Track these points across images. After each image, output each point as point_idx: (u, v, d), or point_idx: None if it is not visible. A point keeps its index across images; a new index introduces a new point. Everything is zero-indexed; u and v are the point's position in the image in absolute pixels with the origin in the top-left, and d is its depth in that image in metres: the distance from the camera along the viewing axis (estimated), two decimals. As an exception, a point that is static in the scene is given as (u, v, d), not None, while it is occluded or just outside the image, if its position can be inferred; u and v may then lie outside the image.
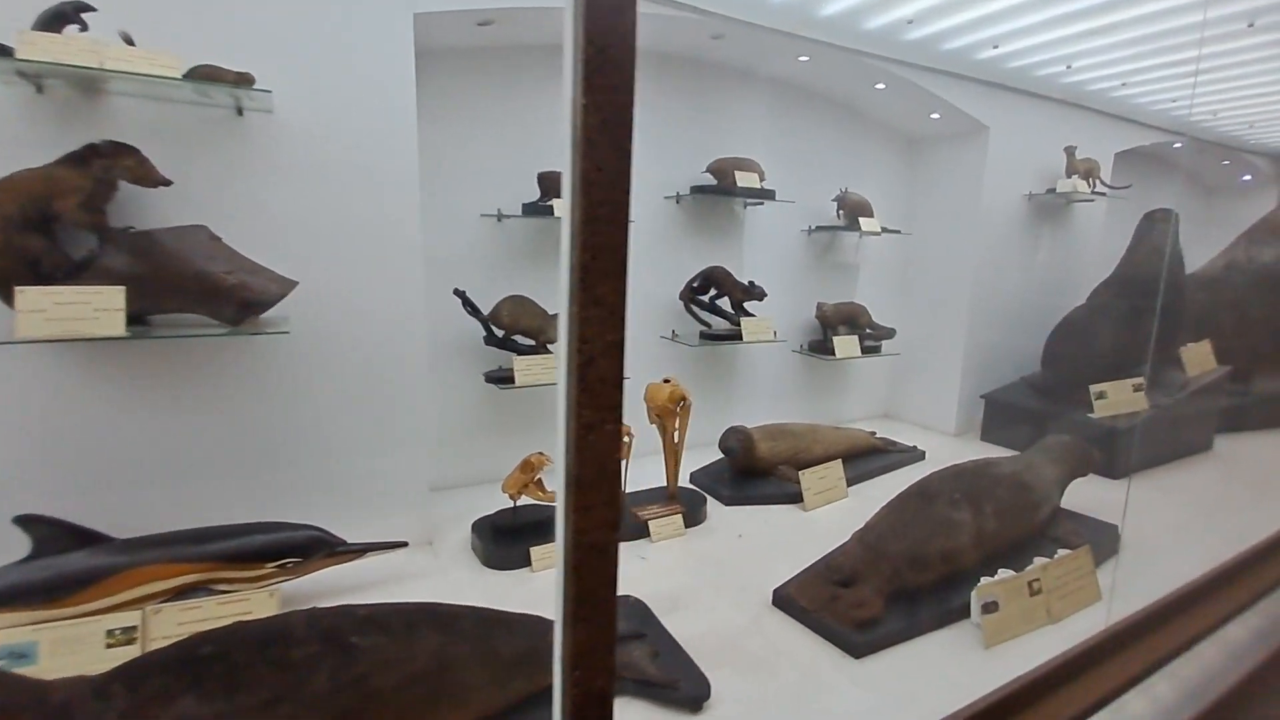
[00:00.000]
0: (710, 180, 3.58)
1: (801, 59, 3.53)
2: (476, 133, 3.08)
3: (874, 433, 3.99)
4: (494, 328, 3.06)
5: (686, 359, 3.90)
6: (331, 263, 2.36)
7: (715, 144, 3.72)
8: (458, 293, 2.95)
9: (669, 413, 2.85)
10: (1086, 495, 3.29)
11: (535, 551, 2.50)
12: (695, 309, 3.64)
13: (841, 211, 4.12)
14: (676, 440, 2.95)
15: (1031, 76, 3.99)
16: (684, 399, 2.87)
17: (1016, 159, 4.29)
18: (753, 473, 3.38)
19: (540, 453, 2.63)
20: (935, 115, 4.13)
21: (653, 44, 3.37)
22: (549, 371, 3.09)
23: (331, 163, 2.32)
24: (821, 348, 4.18)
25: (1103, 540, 2.78)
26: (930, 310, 4.63)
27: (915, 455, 3.93)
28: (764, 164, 3.87)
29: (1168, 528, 3.06)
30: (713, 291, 3.69)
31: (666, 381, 2.91)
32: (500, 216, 3.15)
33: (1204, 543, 2.89)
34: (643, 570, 2.53)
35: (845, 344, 4.11)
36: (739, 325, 3.67)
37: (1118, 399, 3.76)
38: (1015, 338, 4.47)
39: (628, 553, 2.66)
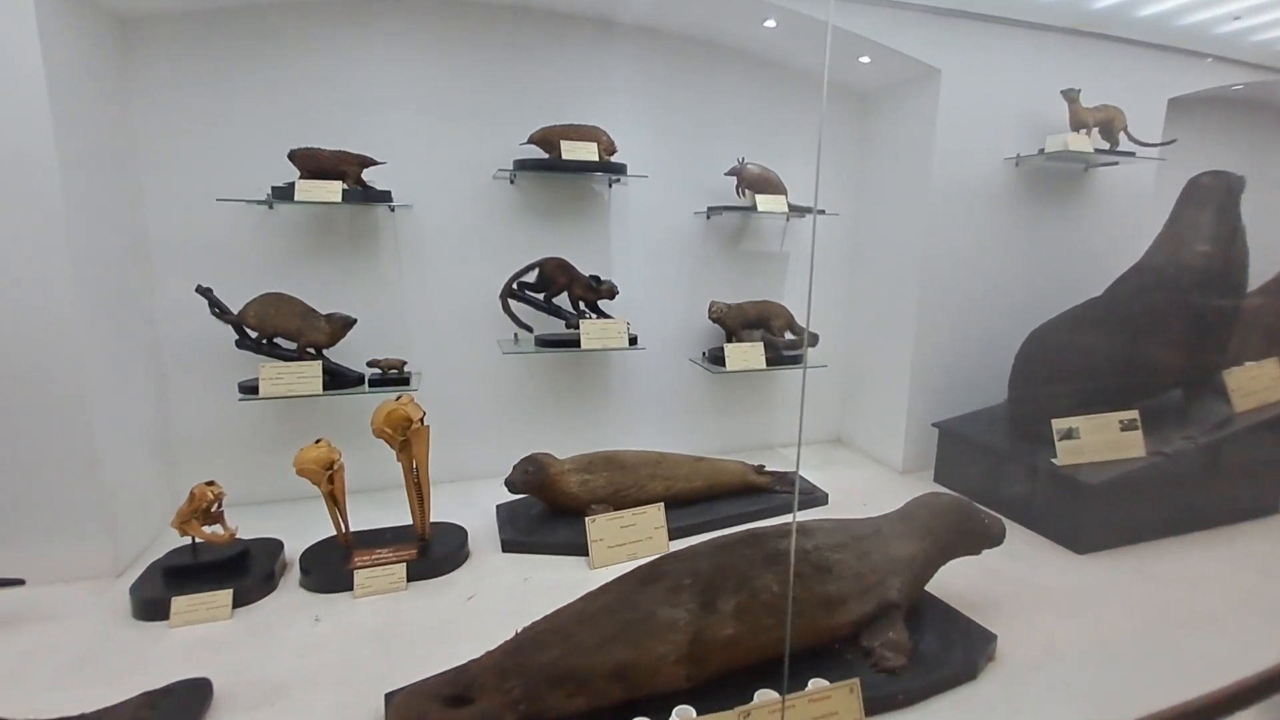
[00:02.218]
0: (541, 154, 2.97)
1: (641, -7, 2.82)
2: (224, 109, 2.70)
3: (762, 466, 3.16)
4: (247, 330, 2.68)
5: (550, 370, 3.31)
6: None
7: (570, 109, 3.08)
8: (201, 290, 2.60)
9: (390, 438, 2.31)
10: (1025, 579, 2.37)
11: (178, 603, 2.08)
12: (514, 309, 3.03)
13: (744, 189, 3.31)
14: (418, 470, 2.41)
15: (985, -6, 2.94)
16: (409, 421, 2.31)
17: (989, 111, 3.22)
18: (566, 512, 2.75)
19: (210, 481, 2.21)
20: (865, 59, 3.19)
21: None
22: (306, 380, 2.67)
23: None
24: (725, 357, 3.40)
25: (965, 657, 1.88)
26: (878, 312, 3.66)
27: (815, 498, 3.06)
28: (641, 131, 3.20)
29: (1096, 644, 2.04)
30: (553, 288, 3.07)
31: (398, 399, 2.37)
32: (271, 203, 2.76)
33: (1140, 676, 1.88)
34: (298, 638, 2.02)
35: (742, 353, 3.30)
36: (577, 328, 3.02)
37: (1094, 440, 2.67)
38: (997, 349, 3.38)
39: (306, 610, 2.17)
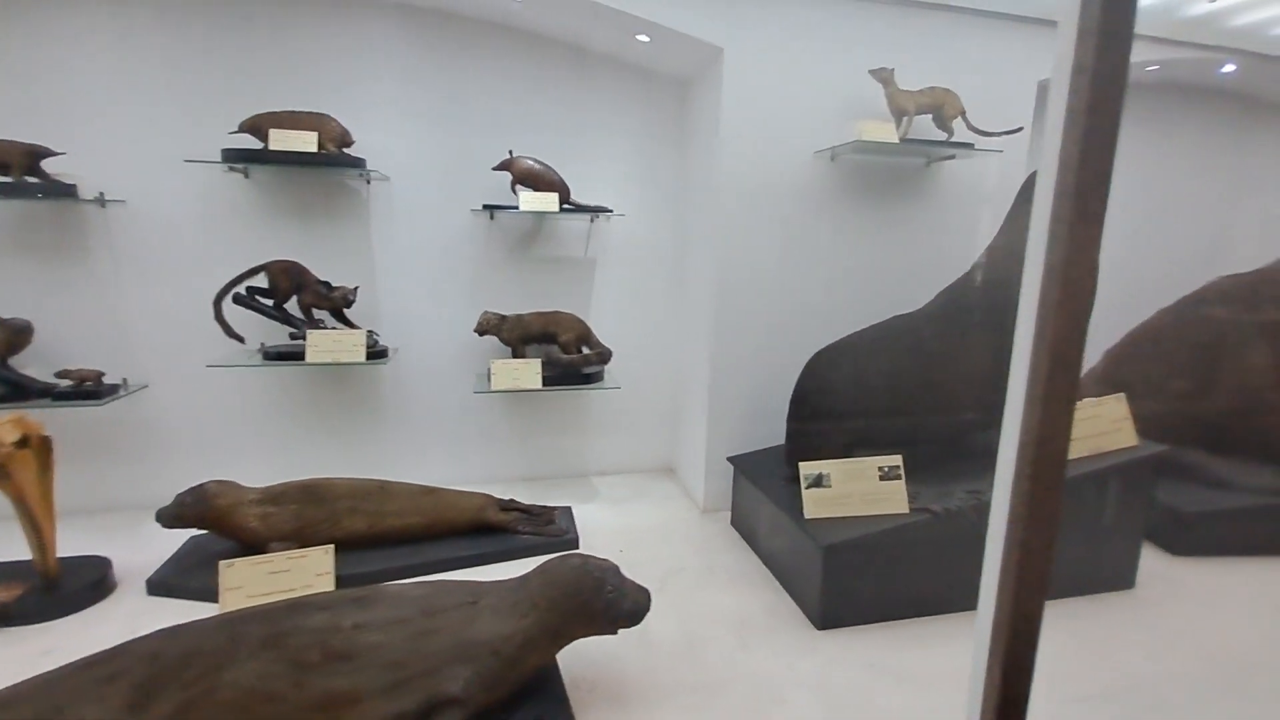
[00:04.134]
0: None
1: (348, -38, 2.48)
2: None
3: (512, 501, 2.77)
4: (-87, 335, 2.45)
5: (310, 386, 2.99)
6: None
7: (321, 95, 2.77)
8: None
9: (-23, 464, 2.03)
10: (725, 661, 1.93)
11: None
12: (227, 316, 2.73)
13: (515, 185, 2.94)
14: (34, 499, 2.12)
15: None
16: (-3, 445, 2.02)
17: (792, 97, 2.75)
18: (253, 550, 2.41)
19: None
20: (643, 37, 2.77)
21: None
22: (-31, 393, 2.42)
23: None
24: (509, 374, 3.02)
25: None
26: (688, 327, 3.22)
27: (563, 542, 2.65)
28: (409, 121, 2.89)
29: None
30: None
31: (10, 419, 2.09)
32: (-43, 197, 2.53)
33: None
34: None
35: (512, 370, 2.92)
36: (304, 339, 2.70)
37: (847, 490, 2.19)
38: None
39: None
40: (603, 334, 3.24)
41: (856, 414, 2.39)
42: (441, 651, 1.57)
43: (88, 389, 2.59)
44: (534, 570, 1.77)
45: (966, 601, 2.23)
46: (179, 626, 1.54)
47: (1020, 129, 2.81)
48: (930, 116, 2.78)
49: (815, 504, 2.19)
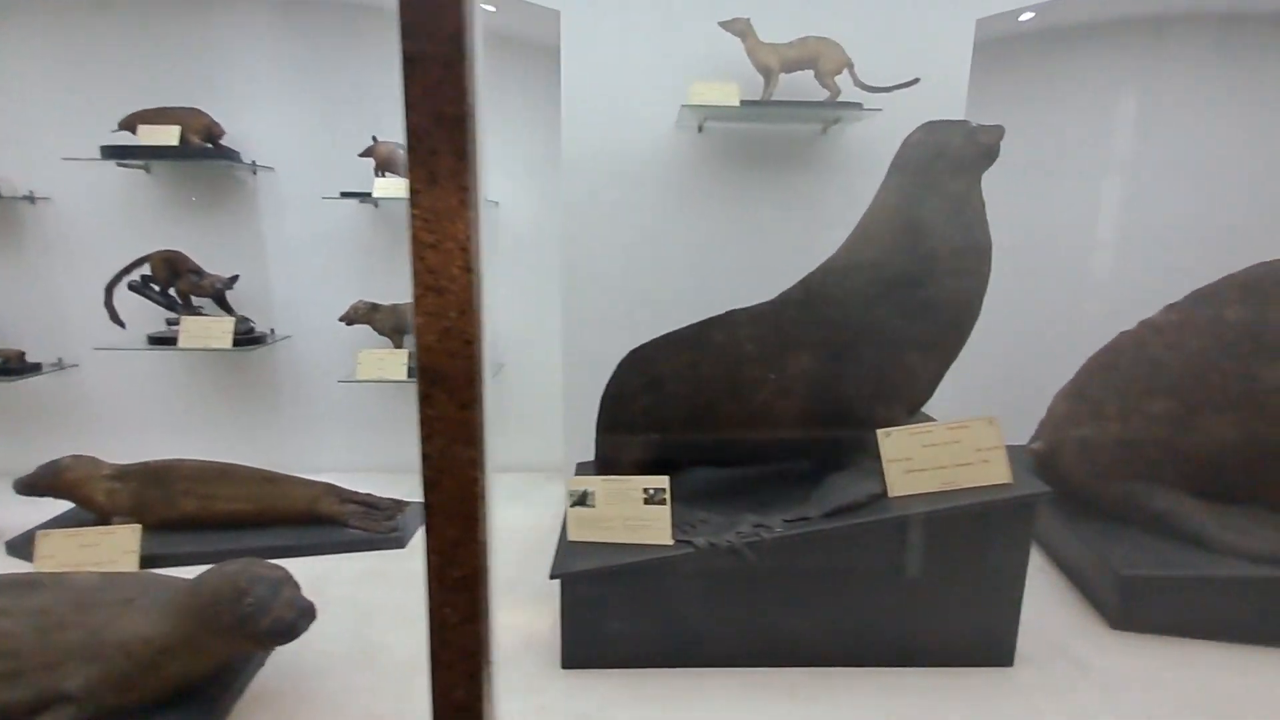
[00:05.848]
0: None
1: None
2: None
3: (357, 494, 2.73)
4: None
5: (217, 373, 3.17)
6: None
7: (208, 89, 2.88)
8: None
9: None
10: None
11: None
12: (124, 303, 2.91)
13: (382, 170, 2.87)
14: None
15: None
16: None
17: (647, 63, 2.42)
18: (105, 523, 2.58)
19: None
20: (489, 7, 2.57)
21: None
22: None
23: None
24: (396, 364, 3.00)
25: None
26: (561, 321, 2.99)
27: (389, 540, 2.57)
28: (291, 111, 2.94)
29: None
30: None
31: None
32: (-82, 197, 2.93)
33: None
34: None
35: (377, 360, 2.89)
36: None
37: (611, 512, 1.88)
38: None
39: None
40: (491, 328, 3.11)
41: (658, 426, 2.07)
42: (69, 647, 1.54)
43: (12, 366, 2.90)
44: (202, 572, 1.70)
45: (738, 655, 1.86)
46: None
47: (916, 80, 2.26)
48: (778, 70, 2.33)
49: (579, 525, 1.92)
